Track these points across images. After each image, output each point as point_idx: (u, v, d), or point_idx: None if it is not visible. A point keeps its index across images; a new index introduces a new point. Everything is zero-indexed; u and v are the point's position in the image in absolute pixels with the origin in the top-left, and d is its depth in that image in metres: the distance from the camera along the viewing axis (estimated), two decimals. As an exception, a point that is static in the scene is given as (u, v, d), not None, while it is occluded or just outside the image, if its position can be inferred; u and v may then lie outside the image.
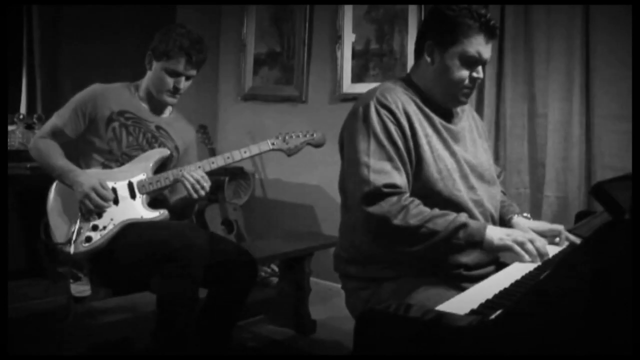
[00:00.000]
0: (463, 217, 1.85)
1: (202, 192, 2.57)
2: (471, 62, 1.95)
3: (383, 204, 1.83)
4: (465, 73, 1.96)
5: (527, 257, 1.79)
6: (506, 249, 1.82)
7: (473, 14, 1.92)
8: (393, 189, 1.85)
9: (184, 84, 2.69)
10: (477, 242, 1.83)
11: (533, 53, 3.37)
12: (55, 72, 4.09)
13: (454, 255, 1.95)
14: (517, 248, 1.81)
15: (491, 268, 2.01)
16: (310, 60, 4.50)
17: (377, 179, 1.84)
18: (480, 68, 1.98)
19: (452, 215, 1.84)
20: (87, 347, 2.87)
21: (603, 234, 1.08)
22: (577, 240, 2.01)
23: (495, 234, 1.83)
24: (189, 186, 2.55)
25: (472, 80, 1.98)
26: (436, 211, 1.85)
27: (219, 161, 2.64)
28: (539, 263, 1.80)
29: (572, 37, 3.20)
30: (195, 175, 2.56)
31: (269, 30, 4.73)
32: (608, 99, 3.14)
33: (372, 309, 1.17)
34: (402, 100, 1.96)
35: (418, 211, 1.83)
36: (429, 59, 1.99)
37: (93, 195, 2.52)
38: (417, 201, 1.87)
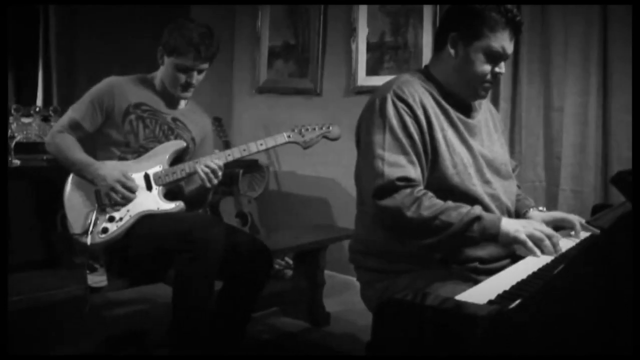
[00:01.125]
0: (477, 209, 1.84)
1: (215, 181, 2.59)
2: (495, 56, 1.95)
3: (396, 196, 1.83)
4: (487, 67, 1.95)
5: (538, 252, 1.77)
6: (521, 243, 1.81)
7: (500, 8, 1.91)
8: (407, 182, 1.85)
9: (196, 78, 2.69)
10: (492, 235, 1.82)
11: (549, 46, 3.36)
12: (71, 64, 4.12)
13: (470, 249, 1.95)
14: (530, 244, 1.78)
15: (506, 261, 2.00)
16: (325, 53, 4.50)
17: (391, 172, 1.84)
18: (502, 63, 1.98)
19: (466, 208, 1.83)
20: (103, 337, 2.90)
21: (621, 225, 1.08)
22: (593, 229, 2.00)
23: (510, 226, 1.82)
24: (202, 175, 2.56)
25: (494, 75, 1.98)
26: (450, 203, 1.85)
27: (235, 153, 2.65)
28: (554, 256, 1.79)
29: (589, 29, 3.18)
30: (212, 165, 2.57)
31: (284, 23, 4.73)
32: (624, 92, 3.12)
33: (391, 298, 1.17)
34: (419, 93, 1.96)
35: (431, 203, 1.83)
36: (452, 51, 1.98)
37: (119, 187, 2.54)
38: (430, 193, 1.86)
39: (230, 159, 2.64)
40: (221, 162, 2.61)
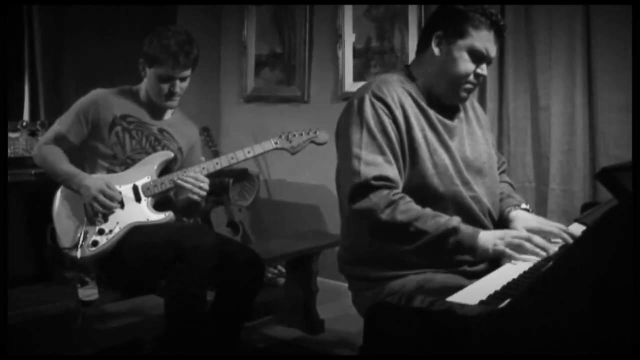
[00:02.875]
0: (455, 221, 1.81)
1: (203, 192, 2.58)
2: (478, 56, 1.95)
3: (372, 197, 1.81)
4: (470, 67, 1.95)
5: (522, 258, 1.73)
6: (502, 255, 1.78)
7: (485, 11, 1.93)
8: (384, 182, 1.83)
9: (179, 86, 2.68)
10: (468, 249, 1.78)
11: (534, 46, 3.37)
12: (57, 78, 4.09)
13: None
14: (510, 252, 1.74)
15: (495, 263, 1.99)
16: (312, 60, 4.50)
17: (368, 171, 1.82)
18: (484, 65, 1.98)
19: (444, 218, 1.80)
20: (96, 350, 2.88)
21: (607, 220, 1.08)
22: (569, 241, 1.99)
23: (489, 240, 1.78)
24: (188, 187, 2.56)
25: (476, 76, 1.98)
26: (427, 210, 1.82)
27: (223, 161, 2.65)
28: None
29: (573, 28, 3.19)
30: (189, 179, 2.57)
31: (270, 31, 4.73)
32: (610, 90, 3.13)
33: (381, 302, 1.17)
34: (398, 93, 1.95)
35: (407, 208, 1.80)
36: (436, 49, 1.97)
37: (101, 197, 2.54)
38: (407, 198, 1.84)
39: (218, 167, 2.64)
40: (209, 171, 2.61)
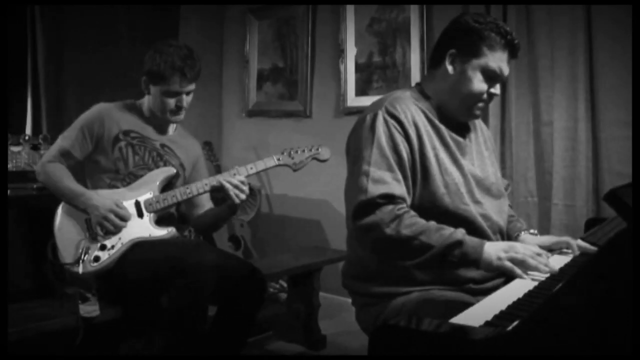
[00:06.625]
0: (459, 233, 1.79)
1: (243, 196, 2.60)
2: (492, 76, 1.95)
3: (377, 212, 1.80)
4: (484, 86, 1.96)
5: (525, 276, 1.73)
6: (505, 270, 1.76)
7: (500, 29, 1.93)
8: (389, 200, 1.82)
9: (185, 100, 2.69)
10: (473, 261, 1.77)
11: (536, 61, 3.37)
12: (60, 92, 4.10)
13: (462, 270, 1.92)
14: (513, 267, 1.74)
15: (500, 280, 1.98)
16: (314, 74, 4.51)
17: (374, 189, 1.81)
18: (498, 85, 1.98)
19: (449, 230, 1.79)
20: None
21: (618, 242, 1.07)
22: (590, 247, 1.98)
23: (493, 252, 1.77)
24: (231, 193, 2.58)
25: (489, 95, 1.98)
26: (432, 224, 1.81)
27: (225, 177, 2.64)
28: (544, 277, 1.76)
29: (575, 44, 3.19)
30: (234, 181, 2.58)
31: (272, 46, 4.74)
32: (613, 105, 3.13)
33: (386, 324, 1.16)
34: (411, 110, 1.94)
35: (412, 222, 1.79)
36: (449, 68, 1.97)
37: (112, 216, 2.53)
38: (412, 212, 1.83)
39: (218, 185, 2.63)
40: (211, 187, 2.61)
